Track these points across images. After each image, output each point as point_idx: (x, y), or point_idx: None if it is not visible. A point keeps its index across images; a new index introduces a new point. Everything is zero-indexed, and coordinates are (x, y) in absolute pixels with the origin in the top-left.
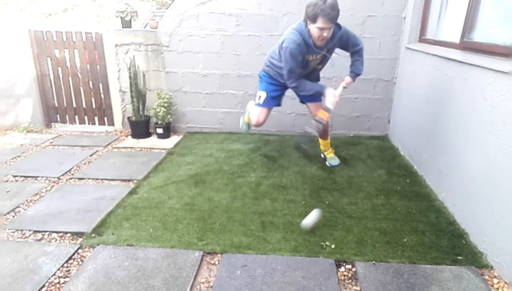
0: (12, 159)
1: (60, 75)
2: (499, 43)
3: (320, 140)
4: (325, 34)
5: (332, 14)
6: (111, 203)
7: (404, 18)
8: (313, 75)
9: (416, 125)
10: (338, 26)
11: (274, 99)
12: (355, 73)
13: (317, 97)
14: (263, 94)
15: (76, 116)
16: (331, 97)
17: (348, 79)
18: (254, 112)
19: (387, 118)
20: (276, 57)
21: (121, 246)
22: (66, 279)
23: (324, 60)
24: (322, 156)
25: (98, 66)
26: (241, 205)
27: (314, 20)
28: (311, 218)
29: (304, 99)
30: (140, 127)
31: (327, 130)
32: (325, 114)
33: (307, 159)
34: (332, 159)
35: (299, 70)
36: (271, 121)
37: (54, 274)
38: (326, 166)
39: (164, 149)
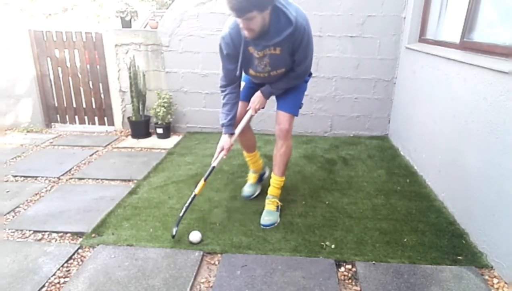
0: (12, 159)
1: (60, 75)
2: (499, 43)
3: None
4: (242, 25)
5: (234, 3)
6: (111, 203)
7: (404, 18)
8: (277, 84)
9: (416, 125)
10: (290, 23)
11: (245, 90)
12: (265, 92)
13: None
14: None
15: (76, 116)
16: (218, 149)
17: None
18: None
19: (387, 118)
20: None
21: (121, 246)
22: (66, 279)
23: (279, 62)
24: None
25: (98, 66)
26: (241, 205)
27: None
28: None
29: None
30: (140, 127)
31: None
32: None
33: (307, 159)
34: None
35: (234, 67)
36: (271, 121)
37: (54, 274)
38: (326, 166)
39: (164, 149)
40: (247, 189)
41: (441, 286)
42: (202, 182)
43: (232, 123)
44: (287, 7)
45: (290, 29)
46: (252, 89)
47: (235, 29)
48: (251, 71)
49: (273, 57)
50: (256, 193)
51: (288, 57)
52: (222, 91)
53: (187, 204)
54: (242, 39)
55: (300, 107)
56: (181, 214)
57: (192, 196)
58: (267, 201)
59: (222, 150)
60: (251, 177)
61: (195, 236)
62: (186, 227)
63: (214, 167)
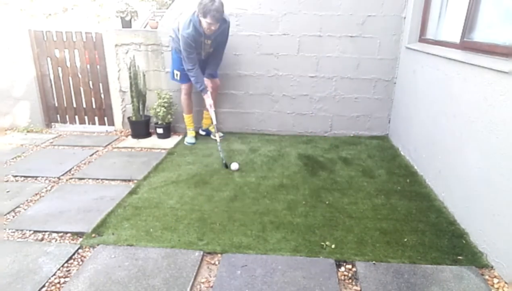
0: (12, 159)
1: (60, 75)
2: (499, 43)
3: (206, 113)
4: (212, 28)
5: (217, 15)
6: (111, 203)
7: (404, 18)
8: (213, 59)
9: (416, 125)
10: (225, 21)
11: (188, 75)
12: (213, 71)
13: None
14: (178, 73)
15: (76, 116)
16: (210, 107)
17: (213, 81)
18: (182, 88)
19: (387, 118)
20: (176, 39)
21: (121, 246)
22: (66, 279)
23: (216, 45)
24: (204, 133)
25: (98, 66)
26: (241, 205)
27: (204, 16)
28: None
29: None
30: (140, 127)
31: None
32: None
33: (307, 158)
34: (190, 138)
35: (195, 55)
36: (271, 121)
37: (54, 274)
38: (326, 166)
39: (164, 149)
40: (191, 140)
41: (441, 286)
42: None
43: (206, 86)
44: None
45: (225, 25)
46: (186, 75)
47: (195, 30)
48: (202, 52)
49: (214, 42)
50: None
51: (219, 42)
52: (191, 70)
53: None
54: (201, 35)
55: None
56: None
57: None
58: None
59: (211, 106)
60: (192, 133)
61: (235, 165)
62: (186, 227)
63: (215, 125)
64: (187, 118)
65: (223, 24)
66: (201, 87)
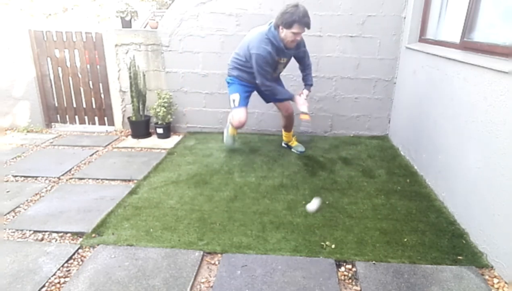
0: (12, 159)
1: (60, 75)
2: (499, 43)
3: (284, 133)
4: (298, 38)
5: (307, 20)
6: (111, 203)
7: (404, 18)
8: (277, 78)
9: (416, 125)
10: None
11: (247, 99)
12: (309, 85)
13: (283, 100)
14: (236, 97)
15: (76, 116)
16: (302, 102)
17: (306, 92)
18: (235, 115)
19: (387, 118)
20: (243, 60)
21: (121, 246)
22: (66, 279)
23: (287, 64)
24: (285, 145)
25: (98, 66)
26: (241, 205)
27: (290, 26)
28: (315, 204)
29: (272, 100)
30: (140, 127)
31: (291, 124)
32: (306, 116)
33: (307, 158)
34: (298, 147)
35: (270, 74)
36: (271, 121)
37: (54, 274)
38: (326, 166)
39: (164, 149)
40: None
41: (441, 286)
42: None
43: (289, 92)
44: None
45: (302, 40)
46: (247, 97)
47: (273, 46)
48: (273, 74)
49: (287, 59)
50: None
51: (301, 54)
52: (269, 84)
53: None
54: (281, 51)
55: None
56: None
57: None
58: (291, 141)
59: (304, 104)
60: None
61: (313, 204)
62: (186, 227)
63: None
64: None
65: (301, 40)
66: (286, 95)
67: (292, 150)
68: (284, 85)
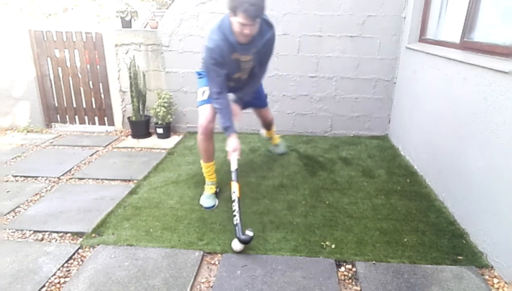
0: (12, 159)
1: (60, 75)
2: (499, 43)
3: (265, 132)
4: (246, 31)
5: (251, 9)
6: (111, 203)
7: (404, 18)
8: (246, 86)
9: (416, 125)
10: (270, 26)
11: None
12: (240, 98)
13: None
14: (206, 89)
15: (76, 116)
16: (234, 148)
17: (238, 110)
18: (201, 113)
19: (387, 118)
20: None
21: (121, 246)
22: (66, 279)
23: (258, 61)
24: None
25: (98, 66)
26: (241, 205)
27: (234, 13)
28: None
29: (246, 105)
30: (140, 127)
31: (271, 123)
32: (236, 186)
33: (307, 158)
34: (277, 147)
35: (223, 76)
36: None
37: (54, 274)
38: (326, 166)
39: (164, 149)
40: (208, 200)
41: (441, 286)
42: (237, 184)
43: (233, 124)
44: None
45: (270, 32)
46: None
47: (224, 40)
48: (237, 74)
49: (255, 59)
50: (216, 204)
51: (261, 58)
52: (217, 98)
53: (237, 210)
54: (232, 47)
55: None
56: (238, 221)
57: (237, 200)
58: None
59: (235, 150)
60: (211, 188)
61: (236, 245)
62: (186, 227)
63: (237, 169)
64: (206, 168)
65: (266, 31)
66: (225, 124)
67: (271, 149)
68: (263, 90)
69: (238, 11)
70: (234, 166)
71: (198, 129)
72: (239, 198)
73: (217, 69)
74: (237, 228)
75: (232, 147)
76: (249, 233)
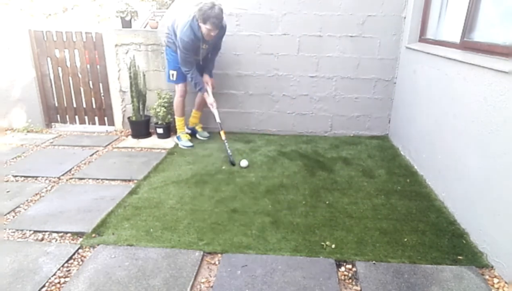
0: (12, 159)
1: (60, 75)
2: (499, 43)
3: (195, 112)
4: (212, 34)
5: (217, 22)
6: (111, 203)
7: (404, 18)
8: (209, 62)
9: (416, 125)
10: (222, 27)
11: (184, 75)
12: (210, 70)
13: (195, 87)
14: (175, 73)
15: (76, 116)
16: (211, 101)
17: (210, 80)
18: (180, 88)
19: (387, 118)
20: (172, 37)
21: (121, 246)
22: (67, 279)
23: (212, 49)
24: (189, 131)
25: (98, 66)
26: (241, 205)
27: (204, 22)
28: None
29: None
30: (140, 127)
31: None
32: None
33: (307, 158)
34: (203, 133)
35: (192, 58)
36: (271, 121)
37: (54, 274)
38: (326, 166)
39: (164, 149)
40: (189, 142)
41: (442, 286)
42: (223, 131)
43: (204, 85)
44: None
45: (222, 31)
46: (183, 74)
47: (194, 35)
48: (199, 57)
49: (211, 47)
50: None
51: (215, 46)
52: (188, 72)
53: (227, 146)
54: (200, 40)
55: None
56: (230, 153)
57: (226, 141)
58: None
59: (212, 103)
60: (187, 135)
61: (244, 163)
62: (186, 227)
63: (220, 123)
64: (180, 121)
65: (220, 30)
66: (199, 87)
67: (198, 135)
68: (211, 68)
69: (208, 22)
70: (218, 118)
71: (177, 94)
72: (226, 140)
73: (189, 54)
74: (230, 156)
75: (210, 101)
76: (243, 163)
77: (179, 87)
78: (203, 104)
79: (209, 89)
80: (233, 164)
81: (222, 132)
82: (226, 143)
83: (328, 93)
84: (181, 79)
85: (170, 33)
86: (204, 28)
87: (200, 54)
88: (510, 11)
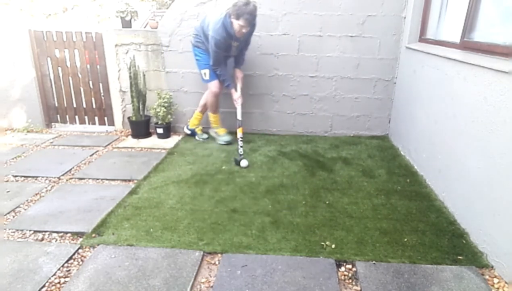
0: (12, 159)
1: (60, 75)
2: (499, 43)
3: (213, 116)
4: (244, 30)
5: (250, 18)
6: (111, 203)
7: (404, 18)
8: (239, 57)
9: (416, 125)
10: (253, 24)
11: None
12: (241, 64)
13: (224, 83)
14: (207, 72)
15: (76, 116)
16: (237, 97)
17: (241, 74)
18: (213, 85)
19: (387, 118)
20: (202, 38)
21: (121, 246)
22: (67, 279)
23: (241, 48)
24: (206, 136)
25: (98, 66)
26: (241, 205)
27: (237, 18)
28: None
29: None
30: (140, 127)
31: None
32: (240, 130)
33: (307, 158)
34: (224, 136)
35: (223, 55)
36: (271, 121)
37: (54, 274)
38: (326, 166)
39: (164, 149)
40: (227, 137)
41: (442, 286)
42: (241, 129)
43: (232, 82)
44: None
45: (253, 28)
46: (215, 72)
47: (226, 32)
48: (230, 54)
49: (240, 45)
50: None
51: (245, 44)
52: (219, 68)
53: (241, 145)
54: (232, 37)
55: None
56: (241, 153)
57: (240, 139)
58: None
59: (238, 99)
60: (223, 130)
61: (244, 162)
62: (186, 227)
63: (240, 120)
64: (215, 117)
65: (251, 28)
66: (228, 83)
67: (197, 137)
68: (242, 63)
69: (241, 18)
70: (240, 115)
71: (211, 93)
72: (242, 137)
73: (220, 52)
74: (240, 155)
75: (236, 97)
76: (243, 163)
77: (212, 84)
78: (206, 107)
79: (239, 85)
80: (237, 164)
81: (239, 130)
82: (240, 142)
83: (328, 93)
84: (214, 76)
85: (198, 33)
86: (237, 24)
87: (231, 52)
88: (510, 11)
